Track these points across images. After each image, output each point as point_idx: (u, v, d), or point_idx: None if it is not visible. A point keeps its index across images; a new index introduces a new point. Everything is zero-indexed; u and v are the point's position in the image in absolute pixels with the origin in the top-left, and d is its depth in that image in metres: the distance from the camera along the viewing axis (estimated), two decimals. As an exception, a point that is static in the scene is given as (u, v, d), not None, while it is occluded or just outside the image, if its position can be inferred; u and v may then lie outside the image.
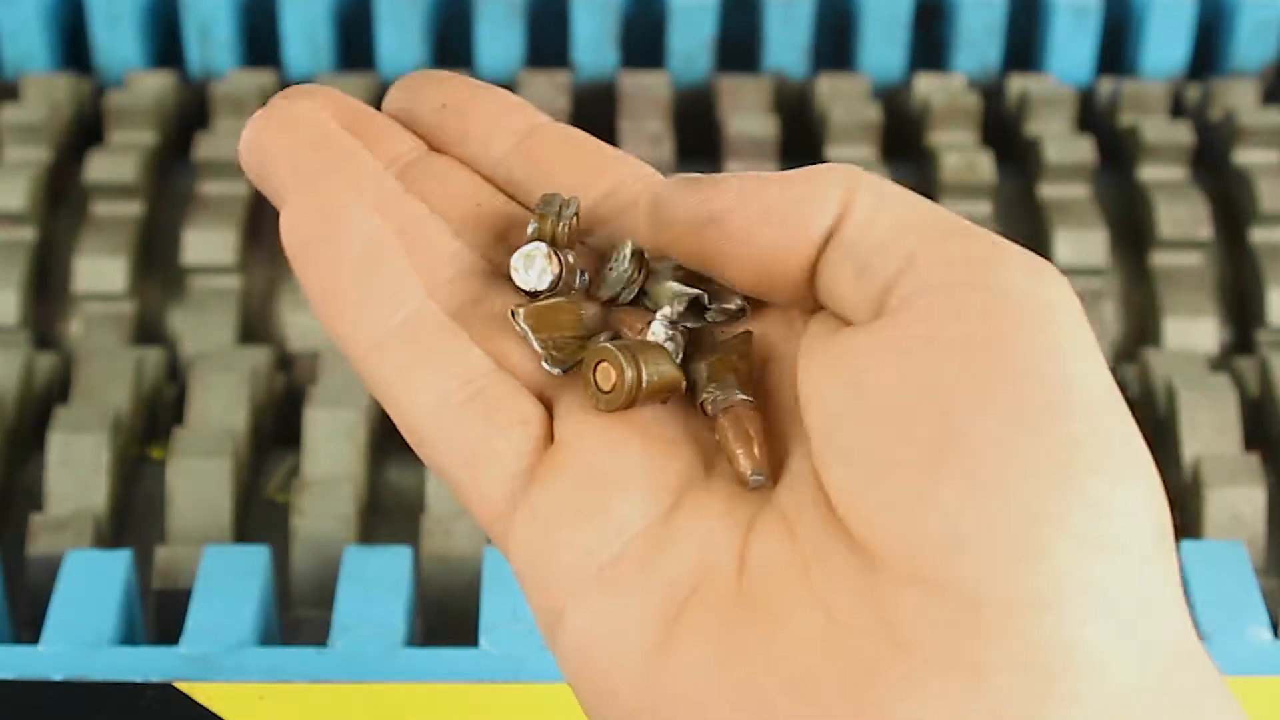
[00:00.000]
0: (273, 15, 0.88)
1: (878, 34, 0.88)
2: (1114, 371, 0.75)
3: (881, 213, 0.31)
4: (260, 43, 0.89)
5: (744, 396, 0.32)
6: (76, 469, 0.66)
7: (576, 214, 0.35)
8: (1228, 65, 0.90)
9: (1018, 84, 0.87)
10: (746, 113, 0.83)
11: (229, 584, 0.58)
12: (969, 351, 0.29)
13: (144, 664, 0.54)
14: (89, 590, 0.57)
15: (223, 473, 0.65)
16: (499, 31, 0.87)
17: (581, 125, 0.38)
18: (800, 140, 0.84)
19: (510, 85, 0.84)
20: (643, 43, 0.89)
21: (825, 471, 0.30)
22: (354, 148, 0.36)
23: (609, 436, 0.32)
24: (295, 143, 0.35)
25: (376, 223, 0.33)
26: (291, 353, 0.77)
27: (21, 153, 0.80)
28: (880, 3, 0.87)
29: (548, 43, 0.89)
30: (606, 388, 0.32)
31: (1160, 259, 0.79)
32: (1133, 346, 0.79)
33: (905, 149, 0.85)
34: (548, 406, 0.33)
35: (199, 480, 0.65)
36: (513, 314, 0.33)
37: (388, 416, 0.34)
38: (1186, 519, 0.66)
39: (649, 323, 0.33)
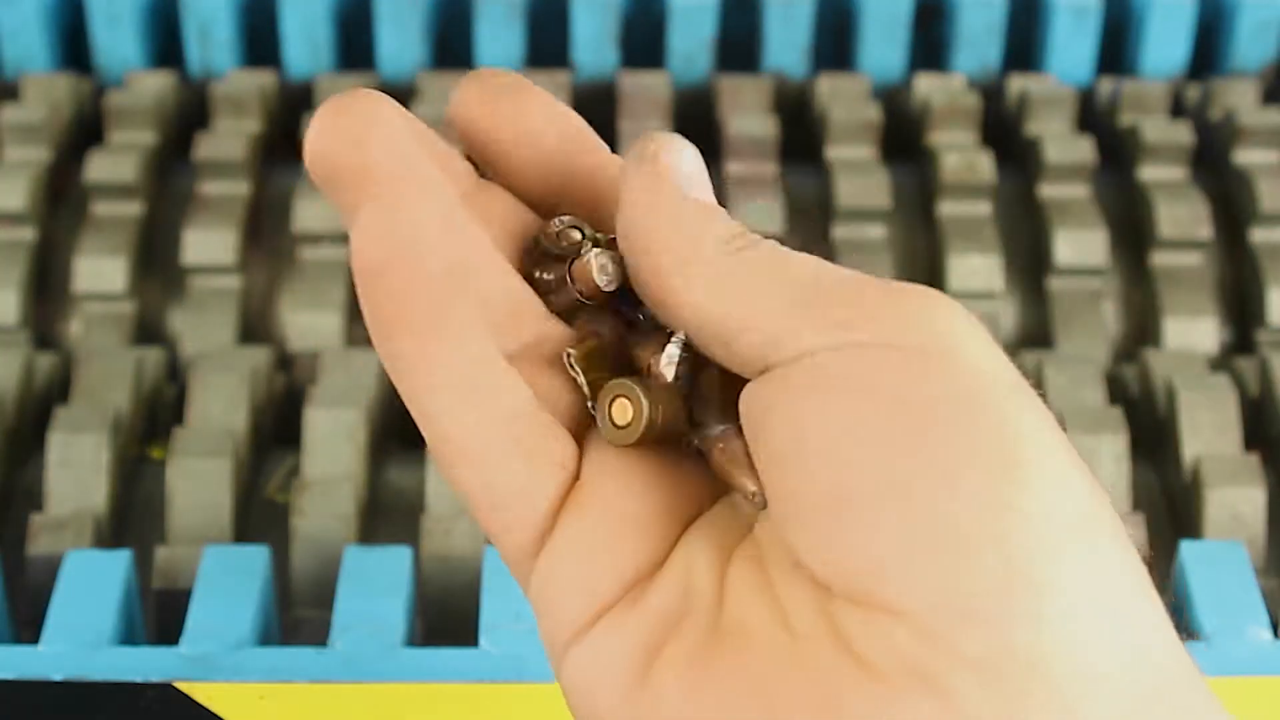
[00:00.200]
0: (273, 15, 0.88)
1: (878, 34, 0.88)
2: (1114, 371, 0.75)
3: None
4: (260, 43, 0.89)
5: (726, 426, 0.32)
6: (76, 469, 0.65)
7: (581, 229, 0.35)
8: (1228, 65, 0.90)
9: (1018, 84, 0.87)
10: (746, 113, 0.83)
11: (229, 584, 0.58)
12: (874, 391, 0.29)
13: (144, 664, 0.54)
14: (89, 590, 0.57)
15: (223, 473, 0.65)
16: (499, 31, 0.87)
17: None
18: (800, 140, 0.84)
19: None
20: (643, 43, 0.89)
21: (770, 505, 0.31)
22: (432, 171, 0.33)
23: (627, 476, 0.33)
24: (370, 159, 0.32)
25: (456, 254, 0.32)
26: (291, 353, 0.77)
27: (21, 153, 0.80)
28: (880, 3, 0.87)
29: (548, 43, 0.89)
30: (621, 423, 0.33)
31: (1160, 259, 0.79)
32: (1133, 346, 0.78)
33: (905, 149, 0.84)
34: (578, 438, 0.33)
35: (199, 480, 0.65)
36: (567, 356, 0.33)
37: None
38: (1186, 519, 0.66)
39: (663, 347, 0.34)
